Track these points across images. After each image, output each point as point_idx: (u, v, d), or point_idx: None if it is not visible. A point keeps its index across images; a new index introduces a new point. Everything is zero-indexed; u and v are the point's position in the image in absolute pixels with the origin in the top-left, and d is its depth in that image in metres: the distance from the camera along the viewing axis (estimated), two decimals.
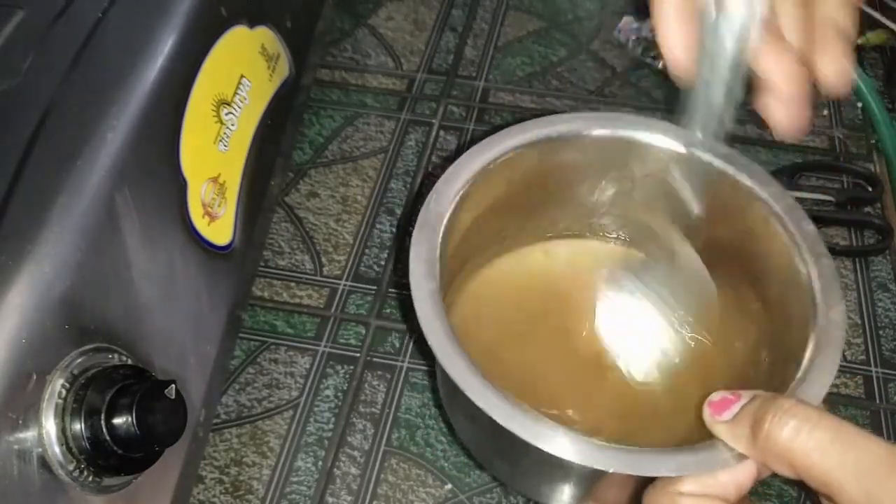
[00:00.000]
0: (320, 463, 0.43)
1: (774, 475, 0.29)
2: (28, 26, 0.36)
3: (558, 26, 0.65)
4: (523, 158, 0.39)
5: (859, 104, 0.59)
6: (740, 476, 0.29)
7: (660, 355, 0.41)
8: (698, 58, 0.32)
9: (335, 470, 0.43)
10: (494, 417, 0.30)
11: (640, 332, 0.41)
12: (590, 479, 0.34)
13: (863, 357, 0.48)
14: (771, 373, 0.37)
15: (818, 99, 0.32)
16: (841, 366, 0.47)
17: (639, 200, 0.43)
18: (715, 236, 0.40)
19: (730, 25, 0.31)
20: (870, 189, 0.55)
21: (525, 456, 0.33)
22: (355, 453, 0.43)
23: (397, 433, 0.44)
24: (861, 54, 0.62)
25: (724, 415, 0.30)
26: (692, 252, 0.38)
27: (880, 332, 0.49)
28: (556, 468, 0.33)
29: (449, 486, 0.42)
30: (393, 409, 0.45)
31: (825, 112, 0.60)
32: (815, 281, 0.34)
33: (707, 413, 0.30)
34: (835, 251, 0.52)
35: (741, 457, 0.29)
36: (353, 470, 0.43)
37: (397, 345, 0.47)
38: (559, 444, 0.29)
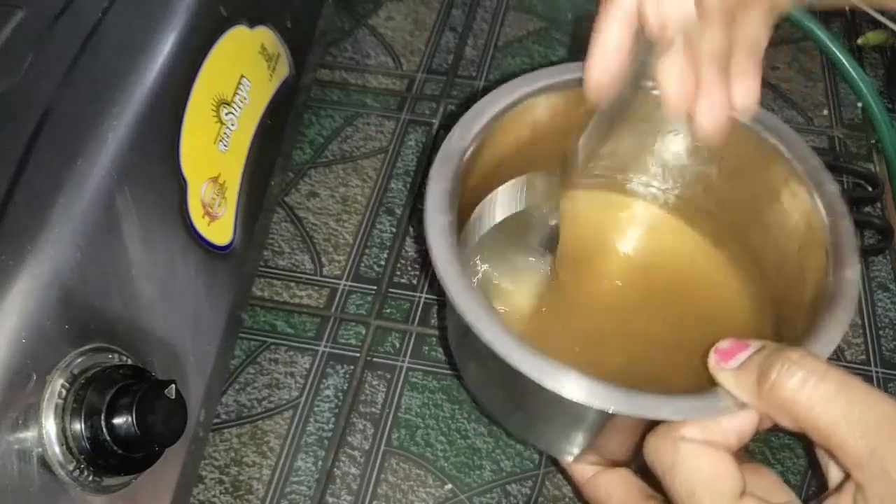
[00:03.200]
0: (320, 463, 0.43)
1: (777, 428, 0.29)
2: (28, 26, 0.36)
3: (558, 26, 0.65)
4: (548, 102, 0.38)
5: (859, 104, 0.59)
6: (742, 424, 0.29)
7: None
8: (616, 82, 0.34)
9: (335, 470, 0.43)
10: (501, 354, 0.29)
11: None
12: (593, 426, 0.33)
13: (863, 357, 0.48)
14: (780, 327, 0.37)
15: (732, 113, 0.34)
16: (841, 366, 0.47)
17: (662, 155, 0.42)
18: (736, 192, 0.40)
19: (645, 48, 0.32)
20: (870, 189, 0.55)
21: (529, 396, 0.33)
22: (355, 453, 0.43)
23: (397, 433, 0.44)
24: (861, 54, 0.63)
25: (731, 362, 0.29)
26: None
27: (880, 332, 0.49)
28: (559, 410, 0.32)
29: (449, 486, 0.42)
30: (393, 409, 0.45)
31: (825, 112, 0.60)
32: (832, 239, 0.34)
33: (713, 360, 0.30)
34: None
35: (743, 405, 0.29)
36: (353, 470, 0.43)
37: (397, 345, 0.47)
38: (564, 382, 0.29)
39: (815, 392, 0.26)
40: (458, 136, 0.35)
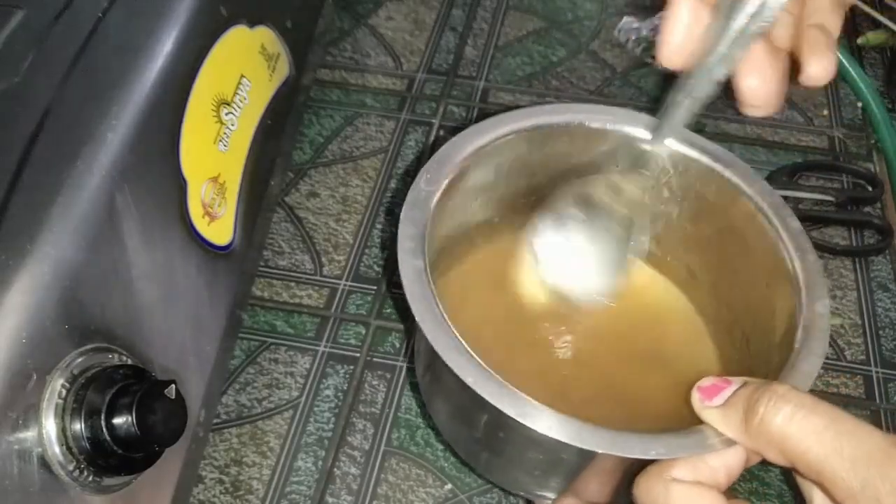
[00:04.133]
0: (320, 463, 0.43)
1: (766, 464, 0.29)
2: (28, 26, 0.36)
3: (558, 26, 0.65)
4: (514, 145, 0.39)
5: (859, 104, 0.59)
6: (730, 461, 0.29)
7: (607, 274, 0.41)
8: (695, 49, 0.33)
9: (335, 470, 0.43)
10: (481, 393, 0.29)
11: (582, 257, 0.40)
12: (572, 468, 0.33)
13: (863, 357, 0.48)
14: (752, 364, 0.37)
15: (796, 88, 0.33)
16: (841, 366, 0.47)
17: (627, 195, 0.42)
18: (699, 232, 0.40)
19: (742, 17, 0.31)
20: (870, 189, 0.55)
21: (508, 438, 0.33)
22: (355, 453, 0.43)
23: (397, 433, 0.44)
24: (861, 54, 0.63)
25: (715, 400, 0.29)
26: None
27: (880, 332, 0.49)
28: (539, 452, 0.33)
29: (449, 486, 0.42)
30: (393, 409, 0.45)
31: (825, 112, 0.60)
32: (801, 275, 0.35)
33: (696, 398, 0.30)
34: (835, 251, 0.52)
35: (730, 442, 0.29)
36: (353, 470, 0.43)
37: (397, 345, 0.47)
38: (547, 422, 0.29)
39: (804, 426, 0.26)
40: (425, 180, 0.36)
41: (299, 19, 0.50)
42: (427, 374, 0.39)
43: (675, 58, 0.33)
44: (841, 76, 0.52)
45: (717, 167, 0.38)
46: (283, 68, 0.47)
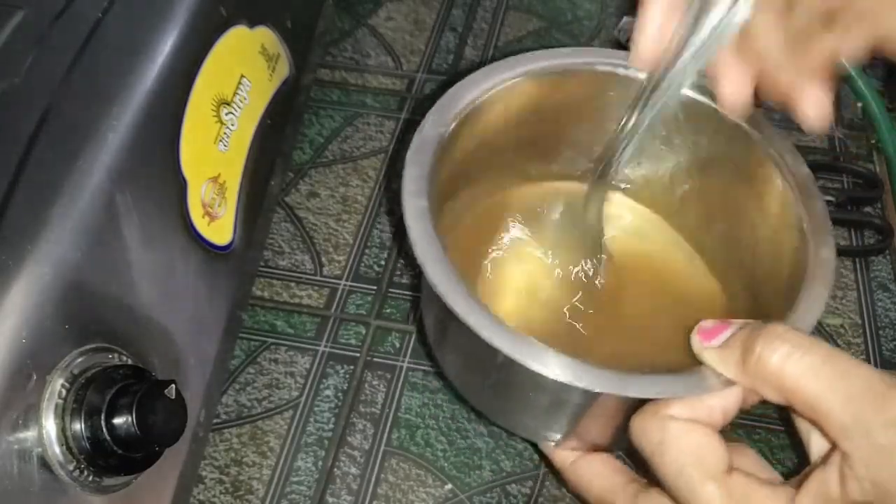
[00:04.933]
0: (320, 463, 0.43)
1: (763, 403, 0.29)
2: (28, 26, 0.36)
3: (558, 26, 0.65)
4: (522, 89, 0.38)
5: (859, 104, 0.59)
6: (727, 401, 0.29)
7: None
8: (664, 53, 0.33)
9: (335, 470, 0.43)
10: (482, 336, 0.29)
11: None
12: (577, 408, 0.33)
13: (863, 357, 0.48)
14: (757, 310, 0.37)
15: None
16: None
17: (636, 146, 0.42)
18: (709, 177, 0.40)
19: (709, 22, 0.31)
20: (870, 189, 0.55)
21: (511, 380, 0.33)
22: (355, 453, 0.43)
23: (397, 433, 0.44)
24: None
25: (714, 341, 0.30)
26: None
27: (880, 332, 0.49)
28: (542, 393, 0.32)
29: (449, 486, 0.42)
30: (393, 409, 0.45)
31: None
32: (807, 221, 0.35)
33: (696, 339, 0.30)
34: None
35: (728, 382, 0.29)
36: (353, 470, 0.43)
37: (397, 345, 0.47)
38: (547, 362, 0.29)
39: (800, 364, 0.27)
40: (431, 122, 0.36)
41: (299, 19, 0.50)
42: (432, 319, 0.38)
43: (646, 60, 0.34)
44: (841, 76, 0.52)
45: (727, 113, 0.37)
46: (283, 68, 0.47)
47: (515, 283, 0.41)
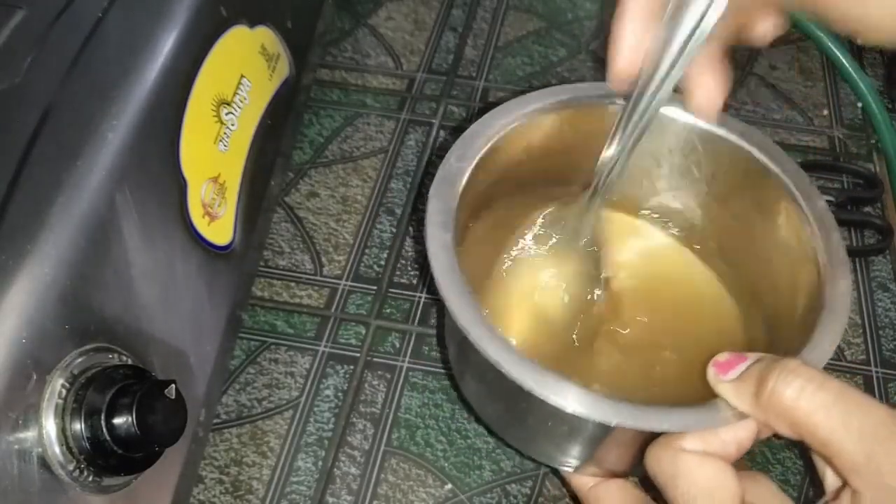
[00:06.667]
0: (320, 463, 0.43)
1: (776, 436, 0.29)
2: (28, 26, 0.36)
3: (558, 26, 0.65)
4: (545, 123, 0.39)
5: (859, 104, 0.59)
6: (741, 434, 0.30)
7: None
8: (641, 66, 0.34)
9: (335, 470, 0.43)
10: (503, 369, 0.30)
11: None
12: (593, 439, 0.34)
13: (863, 357, 0.48)
14: (773, 343, 0.37)
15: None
16: (841, 366, 0.47)
17: (658, 175, 0.42)
18: (727, 209, 0.40)
19: (684, 24, 0.31)
20: (870, 189, 0.55)
21: (531, 411, 0.33)
22: (355, 453, 0.43)
23: (397, 433, 0.44)
24: (861, 54, 0.62)
25: (730, 374, 0.30)
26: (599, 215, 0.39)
27: (880, 332, 0.49)
28: (561, 423, 0.33)
29: (449, 486, 0.42)
30: (393, 409, 0.45)
31: (825, 112, 0.60)
32: (824, 255, 0.35)
33: (712, 372, 0.30)
34: None
35: (742, 416, 0.29)
36: (353, 470, 0.43)
37: (397, 345, 0.47)
38: (565, 395, 0.29)
39: (813, 400, 0.27)
40: (456, 156, 0.36)
41: (299, 19, 0.50)
42: (454, 348, 0.39)
43: (624, 79, 0.34)
44: (841, 76, 0.53)
45: (745, 145, 0.38)
46: (283, 68, 0.47)
47: (529, 299, 0.41)
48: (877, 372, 0.47)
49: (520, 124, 0.38)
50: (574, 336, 0.40)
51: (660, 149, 0.41)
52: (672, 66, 0.32)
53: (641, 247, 0.45)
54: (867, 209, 0.54)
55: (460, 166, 0.36)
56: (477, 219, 0.41)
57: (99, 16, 0.36)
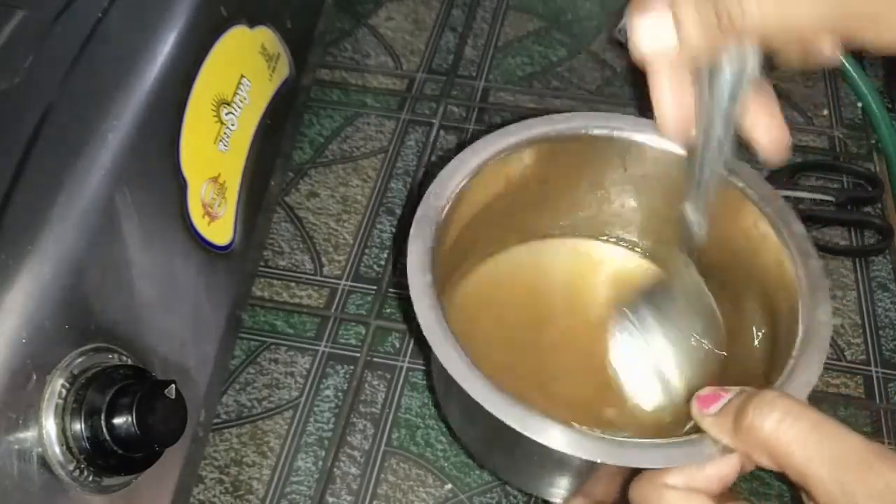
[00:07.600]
0: (320, 463, 0.43)
1: (760, 469, 0.29)
2: (28, 26, 0.36)
3: (558, 26, 0.65)
4: (522, 156, 0.39)
5: (859, 104, 0.59)
6: (724, 469, 0.30)
7: (669, 385, 0.40)
8: (695, 121, 0.33)
9: (335, 470, 0.43)
10: (488, 409, 0.30)
11: (651, 363, 0.40)
12: (580, 472, 0.34)
13: (863, 357, 0.48)
14: (760, 365, 0.37)
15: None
16: (841, 366, 0.47)
17: (636, 202, 0.43)
18: (708, 235, 0.40)
19: (724, 84, 0.31)
20: (870, 189, 0.55)
21: (517, 448, 0.34)
22: (355, 453, 0.43)
23: (397, 433, 0.44)
24: (861, 54, 0.62)
25: (712, 408, 0.30)
26: (689, 261, 0.38)
27: (880, 332, 0.49)
28: (547, 459, 0.33)
29: (449, 486, 0.42)
30: (393, 409, 0.45)
31: (825, 112, 0.60)
32: (803, 281, 0.35)
33: (695, 407, 0.31)
34: (835, 251, 0.52)
35: (726, 450, 0.30)
36: (353, 470, 0.43)
37: (397, 345, 0.47)
38: (549, 434, 0.30)
39: (789, 431, 0.27)
40: (434, 194, 0.37)
41: (299, 19, 0.50)
42: (441, 385, 0.40)
43: (677, 131, 0.34)
44: (841, 76, 0.52)
45: (722, 171, 0.38)
46: (283, 68, 0.47)
47: (518, 338, 0.42)
48: (877, 372, 0.47)
49: (495, 161, 0.38)
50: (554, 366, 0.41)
51: (637, 174, 0.41)
52: (723, 122, 0.32)
53: (622, 274, 0.45)
54: (867, 209, 0.54)
55: (438, 204, 0.36)
56: (463, 259, 0.42)
57: (99, 16, 0.36)
